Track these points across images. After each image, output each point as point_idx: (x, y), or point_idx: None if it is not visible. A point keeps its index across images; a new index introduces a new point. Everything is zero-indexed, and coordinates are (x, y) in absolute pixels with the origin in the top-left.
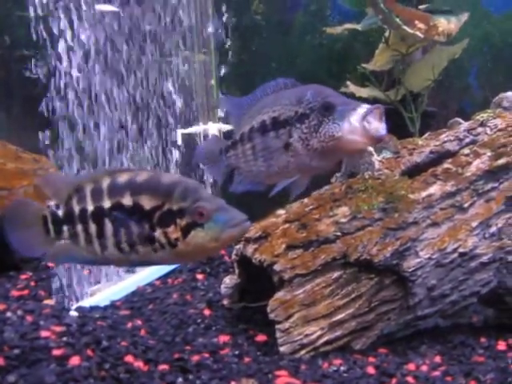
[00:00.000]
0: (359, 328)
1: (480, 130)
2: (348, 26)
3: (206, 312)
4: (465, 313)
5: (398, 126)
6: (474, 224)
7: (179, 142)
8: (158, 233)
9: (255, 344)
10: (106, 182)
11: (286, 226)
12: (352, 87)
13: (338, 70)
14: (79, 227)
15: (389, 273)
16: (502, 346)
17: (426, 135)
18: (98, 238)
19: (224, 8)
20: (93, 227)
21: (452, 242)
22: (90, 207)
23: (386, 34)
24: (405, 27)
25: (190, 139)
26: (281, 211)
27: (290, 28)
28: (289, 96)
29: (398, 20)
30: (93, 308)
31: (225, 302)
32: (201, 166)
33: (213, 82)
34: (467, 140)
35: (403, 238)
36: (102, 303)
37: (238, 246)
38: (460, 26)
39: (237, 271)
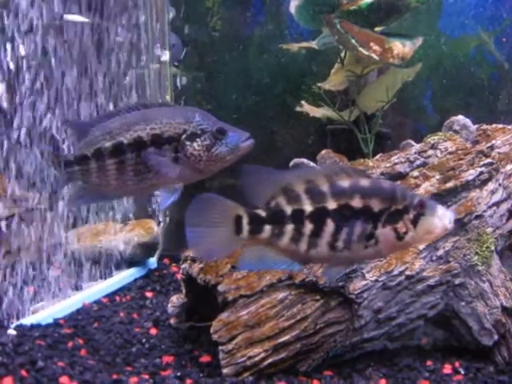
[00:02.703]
0: (304, 350)
1: (431, 152)
2: (304, 44)
3: (153, 331)
4: (413, 335)
5: (351, 147)
6: (422, 247)
7: None
8: (384, 230)
9: (199, 365)
10: (324, 185)
11: None
12: (306, 107)
13: (295, 89)
14: (289, 226)
15: (335, 295)
16: (447, 369)
17: (378, 157)
18: (311, 237)
19: (181, 24)
20: (308, 227)
21: (399, 264)
22: (309, 208)
23: (342, 54)
24: (360, 49)
25: None
26: None
27: (248, 45)
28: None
29: (353, 41)
30: (33, 326)
31: (172, 321)
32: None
33: (168, 97)
34: (418, 162)
35: None
36: (45, 321)
37: (184, 265)
38: (415, 49)
39: (184, 290)
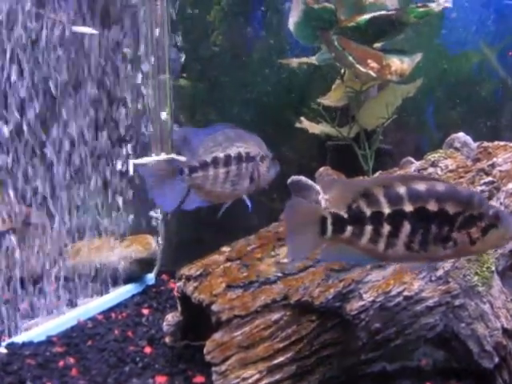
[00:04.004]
0: (300, 372)
1: (431, 170)
2: (304, 59)
3: (147, 350)
4: (413, 356)
5: (351, 164)
6: None
7: (131, 172)
8: (458, 234)
9: None
10: (402, 189)
11: (228, 264)
12: (305, 123)
13: (295, 104)
14: (368, 227)
15: (331, 315)
16: None
17: (377, 174)
18: (388, 238)
19: (181, 38)
20: (386, 228)
21: (397, 284)
22: (387, 210)
23: (342, 70)
24: (357, 66)
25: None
26: (225, 248)
27: (248, 60)
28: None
29: (350, 58)
30: (25, 344)
31: (167, 339)
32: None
33: (167, 111)
34: None
35: (346, 279)
36: (37, 338)
37: (179, 284)
38: (413, 65)
39: (179, 308)
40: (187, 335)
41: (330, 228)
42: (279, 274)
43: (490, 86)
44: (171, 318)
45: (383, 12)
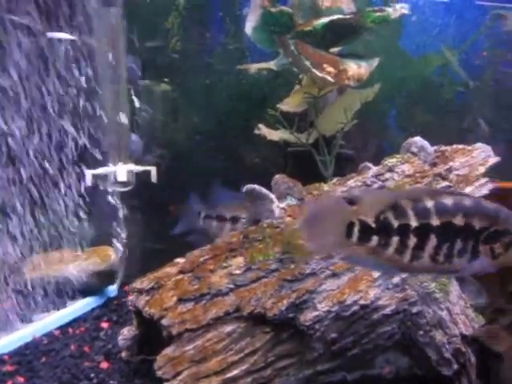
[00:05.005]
0: None
1: (388, 175)
2: (263, 65)
3: (103, 365)
4: (375, 364)
5: (311, 170)
6: (376, 275)
7: (88, 183)
8: (482, 248)
9: None
10: (430, 203)
11: (179, 277)
12: (264, 130)
13: (257, 110)
14: (394, 239)
15: (285, 326)
16: None
17: (334, 180)
18: (414, 250)
19: (139, 45)
20: (413, 240)
21: (352, 293)
22: (414, 223)
23: (301, 75)
24: (314, 70)
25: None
26: (179, 259)
27: (208, 66)
28: None
29: (307, 63)
30: None
31: (123, 354)
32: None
33: (125, 119)
34: (375, 186)
35: (300, 290)
36: None
37: (131, 297)
38: (371, 70)
39: (135, 322)
40: (143, 349)
41: (355, 234)
42: (231, 286)
43: (451, 88)
44: (127, 331)
45: (340, 16)
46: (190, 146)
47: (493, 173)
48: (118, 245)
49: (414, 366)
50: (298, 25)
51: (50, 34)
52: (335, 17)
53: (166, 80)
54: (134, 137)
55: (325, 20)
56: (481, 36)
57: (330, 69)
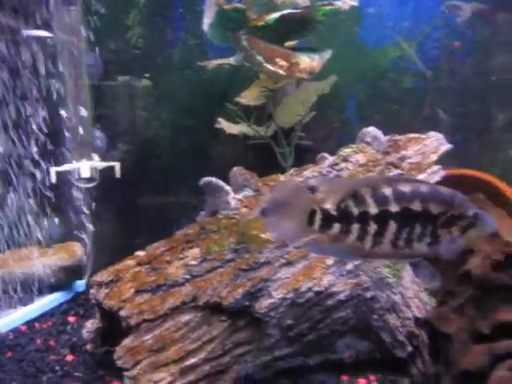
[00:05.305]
0: (214, 372)
1: (343, 165)
2: (222, 60)
3: (69, 358)
4: (337, 348)
5: (271, 162)
6: (330, 262)
7: (53, 180)
8: (440, 232)
9: None
10: (388, 190)
11: (137, 269)
12: (223, 123)
13: (218, 106)
14: (355, 226)
15: (242, 314)
16: (361, 383)
17: (291, 171)
18: (375, 236)
19: (101, 42)
20: (373, 227)
21: (306, 281)
22: (374, 210)
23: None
24: (265, 65)
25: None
26: (140, 252)
27: (170, 62)
28: None
29: (259, 57)
30: None
31: (88, 346)
32: None
33: (87, 116)
34: (331, 175)
35: (255, 278)
36: None
37: (92, 291)
38: (323, 62)
39: (98, 315)
40: (107, 341)
41: (317, 222)
42: (187, 276)
43: (409, 79)
44: (91, 324)
45: (290, 10)
46: (154, 142)
47: (449, 159)
48: (86, 240)
49: (374, 350)
50: (251, 20)
51: (28, 32)
52: (285, 11)
53: (128, 77)
54: (97, 133)
55: (276, 15)
56: (437, 27)
57: (283, 62)
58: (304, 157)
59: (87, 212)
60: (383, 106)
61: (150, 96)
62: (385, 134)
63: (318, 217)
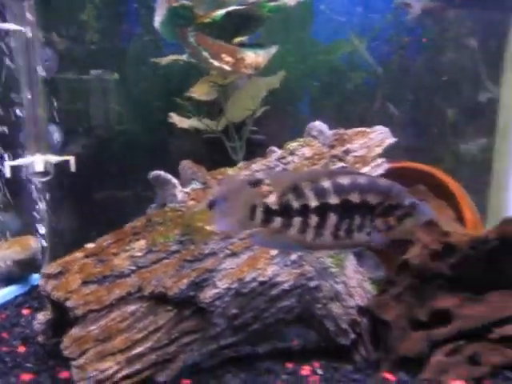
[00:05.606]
0: (161, 360)
1: (290, 158)
2: (174, 57)
3: (21, 349)
4: (285, 337)
5: (223, 156)
6: (274, 253)
7: (7, 174)
8: (378, 222)
9: (58, 381)
10: (327, 183)
11: (85, 261)
12: (175, 118)
13: (174, 100)
14: (296, 219)
15: (187, 304)
16: (306, 370)
17: (240, 164)
18: (316, 228)
19: (55, 37)
20: (314, 219)
21: (251, 271)
22: (314, 203)
23: None
24: (211, 61)
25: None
26: (90, 244)
27: (126, 57)
28: None
29: (205, 53)
30: None
31: (39, 338)
32: None
33: (41, 111)
34: (278, 169)
35: (200, 269)
36: None
37: (41, 282)
38: (269, 58)
39: (49, 306)
40: (58, 332)
41: (259, 216)
42: (133, 268)
43: (360, 74)
44: (42, 316)
45: (236, 7)
46: (112, 136)
47: (400, 153)
48: (41, 234)
49: (321, 338)
50: (198, 17)
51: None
52: (231, 8)
53: (98, 71)
54: (53, 128)
55: (222, 11)
56: (388, 23)
57: (228, 58)
58: (256, 151)
59: (44, 206)
60: (335, 101)
61: (108, 91)
62: (336, 128)
63: (259, 211)
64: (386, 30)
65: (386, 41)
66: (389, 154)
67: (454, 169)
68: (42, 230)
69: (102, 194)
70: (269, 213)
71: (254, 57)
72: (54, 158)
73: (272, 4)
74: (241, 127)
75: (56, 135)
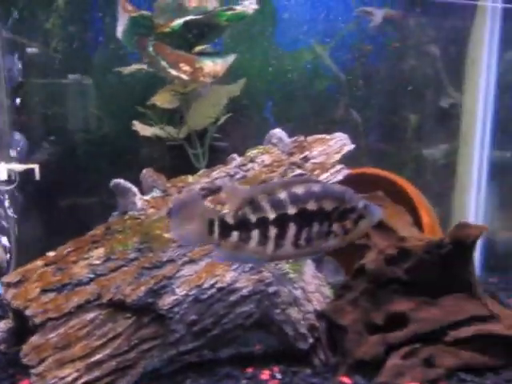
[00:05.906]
0: (121, 367)
1: (250, 165)
2: (135, 66)
3: None
4: (248, 342)
5: (186, 163)
6: None
7: None
8: (335, 227)
9: None
10: (283, 194)
11: (44, 269)
12: (138, 126)
13: (136, 109)
14: (255, 232)
15: (146, 311)
16: (265, 375)
17: (200, 172)
18: (275, 240)
19: (19, 45)
20: (273, 231)
21: (209, 278)
22: (272, 215)
23: None
24: (169, 70)
25: None
26: (51, 253)
27: (90, 66)
28: None
29: (163, 63)
30: None
31: (1, 346)
32: None
33: (4, 119)
34: (238, 176)
35: (158, 276)
36: None
37: (1, 291)
38: (227, 66)
39: (10, 315)
40: (20, 341)
41: (216, 230)
42: (91, 276)
43: (324, 81)
44: (3, 324)
45: (193, 16)
46: (78, 144)
47: (363, 159)
48: (7, 243)
49: (282, 343)
50: (158, 27)
51: None
52: (189, 17)
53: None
54: (17, 135)
55: (180, 21)
56: (350, 31)
57: (186, 68)
58: (219, 157)
59: (9, 214)
60: (298, 108)
61: (73, 99)
62: (299, 135)
63: (216, 226)
64: (349, 38)
65: (349, 48)
66: (351, 159)
67: (418, 173)
68: (8, 238)
69: (68, 202)
70: (226, 228)
71: (212, 65)
72: (18, 167)
73: (230, 13)
74: (203, 134)
75: (21, 143)
